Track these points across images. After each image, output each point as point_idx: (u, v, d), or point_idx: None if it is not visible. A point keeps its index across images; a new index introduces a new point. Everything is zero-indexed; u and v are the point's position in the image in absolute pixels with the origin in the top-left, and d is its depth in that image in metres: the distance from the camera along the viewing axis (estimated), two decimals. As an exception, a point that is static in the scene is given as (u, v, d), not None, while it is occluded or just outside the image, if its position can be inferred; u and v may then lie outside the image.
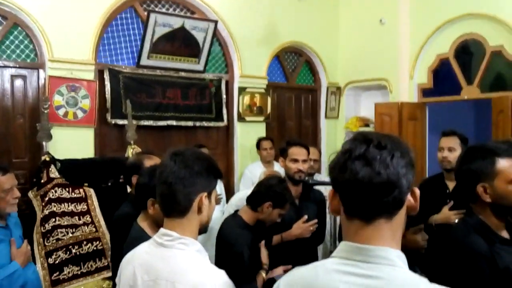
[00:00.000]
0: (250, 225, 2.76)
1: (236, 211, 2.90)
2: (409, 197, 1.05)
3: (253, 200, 2.80)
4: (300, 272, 1.11)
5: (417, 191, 1.06)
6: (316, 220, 3.13)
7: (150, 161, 2.70)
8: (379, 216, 1.02)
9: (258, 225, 2.82)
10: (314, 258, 3.32)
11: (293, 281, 1.11)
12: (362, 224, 1.03)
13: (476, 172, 1.85)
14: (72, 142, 4.45)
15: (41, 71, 4.49)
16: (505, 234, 1.88)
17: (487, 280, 1.75)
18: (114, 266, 2.56)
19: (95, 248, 3.96)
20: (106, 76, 4.74)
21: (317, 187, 3.54)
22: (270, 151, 5.27)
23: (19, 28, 4.42)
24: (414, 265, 2.45)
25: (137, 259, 1.53)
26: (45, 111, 4.20)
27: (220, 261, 2.65)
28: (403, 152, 1.03)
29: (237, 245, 2.59)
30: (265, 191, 2.77)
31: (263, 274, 2.71)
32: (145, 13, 4.88)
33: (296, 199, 3.24)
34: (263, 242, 2.84)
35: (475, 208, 1.91)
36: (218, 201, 4.31)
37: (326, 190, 3.64)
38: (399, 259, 1.02)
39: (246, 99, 5.79)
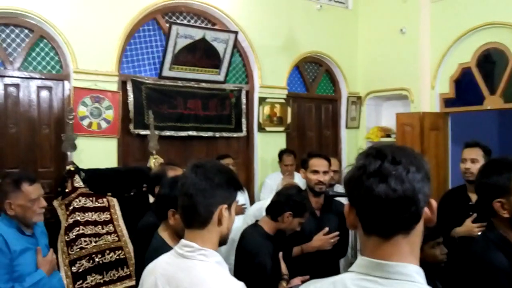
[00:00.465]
0: (271, 235, 2.78)
1: (257, 221, 2.91)
2: (425, 210, 1.04)
3: (273, 210, 2.81)
4: (318, 287, 1.11)
5: (434, 203, 1.06)
6: (337, 233, 3.11)
7: (173, 172, 2.76)
8: (397, 232, 1.02)
9: (278, 235, 2.83)
10: (336, 271, 3.31)
11: None
12: (380, 241, 1.03)
13: (493, 187, 1.84)
14: (96, 152, 4.54)
15: (66, 82, 4.61)
16: None
17: None
18: (138, 276, 2.59)
19: (117, 257, 4.02)
20: (129, 87, 4.83)
21: (338, 199, 3.52)
22: (291, 168, 5.17)
23: (45, 40, 4.55)
24: (435, 279, 2.43)
25: (159, 269, 1.55)
26: (70, 122, 4.30)
27: (240, 271, 2.66)
28: (418, 166, 1.02)
29: (260, 256, 2.60)
30: (285, 200, 2.78)
31: (284, 285, 2.71)
32: (167, 25, 4.97)
33: (317, 211, 3.24)
34: (281, 254, 2.84)
35: (495, 222, 1.89)
36: (242, 211, 4.36)
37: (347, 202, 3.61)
38: (418, 274, 1.01)
39: (266, 109, 5.82)
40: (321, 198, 3.27)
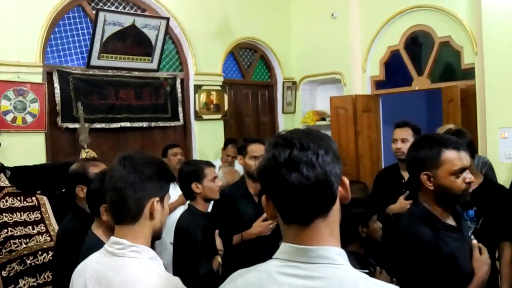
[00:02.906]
0: (205, 213, 2.90)
1: (189, 204, 3.00)
2: (339, 189, 1.05)
3: (185, 192, 2.92)
4: (244, 278, 1.10)
5: (346, 180, 1.07)
6: (275, 220, 3.13)
7: (96, 169, 2.54)
8: (315, 217, 1.02)
9: (212, 213, 2.98)
10: None
11: (237, 287, 1.09)
12: (300, 228, 1.03)
13: (422, 160, 1.90)
14: (22, 149, 4.30)
15: (-15, 75, 4.31)
16: (450, 221, 1.94)
17: (433, 266, 1.81)
18: (58, 281, 2.44)
19: (51, 258, 3.83)
20: (55, 78, 4.59)
21: None
22: (232, 159, 5.01)
23: (-41, 30, 4.22)
24: (369, 256, 2.53)
25: (88, 270, 1.48)
26: (-9, 117, 4.03)
27: (176, 249, 2.81)
28: (326, 148, 1.03)
29: (190, 230, 2.72)
30: (183, 177, 2.87)
31: (219, 259, 2.80)
32: (94, 12, 4.75)
33: (255, 196, 3.23)
34: (217, 231, 2.90)
35: (421, 196, 1.97)
36: (184, 202, 4.27)
37: None
38: (340, 256, 1.03)
39: (203, 97, 5.75)
40: (258, 184, 3.27)
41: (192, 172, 2.87)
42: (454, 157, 1.86)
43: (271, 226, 3.09)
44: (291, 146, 1.01)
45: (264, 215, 3.09)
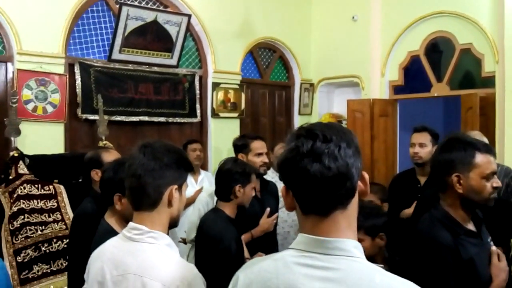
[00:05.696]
0: (233, 219, 2.69)
1: (216, 207, 2.83)
2: (359, 183, 1.07)
3: (222, 192, 2.72)
4: (260, 266, 1.11)
5: (366, 176, 1.08)
6: (277, 214, 3.17)
7: (108, 155, 2.65)
8: (335, 209, 1.03)
9: (239, 218, 2.76)
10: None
11: (253, 274, 1.11)
12: (318, 219, 1.04)
13: (454, 162, 1.88)
14: (42, 138, 4.36)
15: (9, 64, 4.38)
16: (470, 226, 1.92)
17: (451, 270, 1.80)
18: (73, 265, 2.49)
19: (65, 246, 3.88)
20: (77, 70, 4.65)
21: (269, 179, 3.59)
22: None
23: (-14, 20, 4.30)
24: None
25: (106, 254, 1.50)
26: (14, 106, 4.10)
27: (204, 257, 2.59)
28: (348, 141, 1.04)
29: (224, 241, 2.51)
30: (227, 177, 2.68)
31: None
32: (117, 6, 4.80)
33: (258, 192, 3.24)
34: (243, 238, 2.82)
35: (444, 199, 1.94)
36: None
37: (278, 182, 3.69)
38: (356, 249, 1.04)
39: (220, 94, 5.77)
40: (258, 180, 3.29)
41: (241, 174, 2.68)
42: (487, 160, 1.86)
43: (275, 222, 3.11)
44: (314, 137, 1.02)
45: (268, 210, 3.10)
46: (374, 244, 2.34)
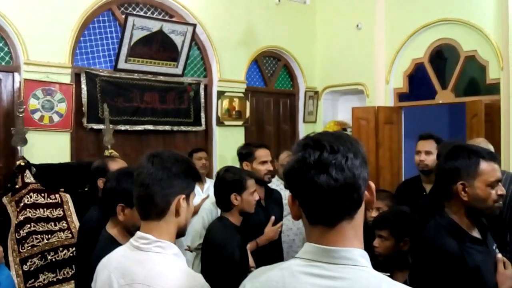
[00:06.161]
0: (238, 227, 2.69)
1: (221, 215, 2.82)
2: (365, 193, 1.07)
3: (221, 202, 2.71)
4: (267, 275, 1.11)
5: (372, 185, 1.08)
6: (282, 223, 3.19)
7: (115, 164, 2.66)
8: (341, 220, 1.04)
9: (244, 227, 2.75)
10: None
11: (260, 283, 1.11)
12: (325, 229, 1.04)
13: (459, 170, 1.88)
14: (48, 147, 4.39)
15: (16, 74, 4.41)
16: (476, 233, 1.92)
17: (457, 278, 1.79)
18: (80, 274, 2.48)
19: (71, 255, 3.90)
20: (83, 79, 4.68)
21: (273, 186, 3.60)
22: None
23: (-7, 30, 4.35)
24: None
25: (113, 263, 1.51)
26: (20, 115, 4.13)
27: (209, 265, 2.59)
28: (355, 152, 1.04)
29: (228, 248, 2.51)
30: (222, 186, 2.67)
31: None
32: (123, 16, 4.85)
33: (262, 201, 3.25)
34: (249, 246, 2.81)
35: (449, 207, 1.94)
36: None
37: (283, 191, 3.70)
38: (363, 258, 1.04)
39: (225, 103, 5.79)
40: (263, 188, 3.29)
41: (234, 182, 2.65)
42: (491, 168, 1.86)
43: (280, 230, 3.12)
44: (321, 148, 1.03)
45: (273, 218, 3.10)
46: (396, 246, 2.33)
